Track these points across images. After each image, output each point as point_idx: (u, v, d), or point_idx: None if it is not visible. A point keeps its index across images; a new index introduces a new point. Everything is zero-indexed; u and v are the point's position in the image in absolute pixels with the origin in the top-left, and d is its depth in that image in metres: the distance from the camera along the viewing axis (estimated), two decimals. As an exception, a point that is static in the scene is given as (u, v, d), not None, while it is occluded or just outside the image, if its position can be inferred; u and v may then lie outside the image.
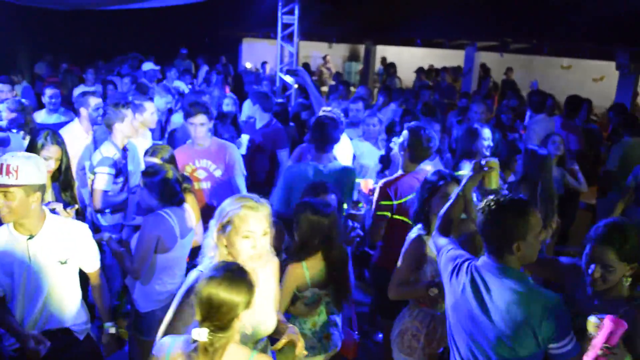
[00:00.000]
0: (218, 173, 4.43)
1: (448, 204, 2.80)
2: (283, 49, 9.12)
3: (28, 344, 2.60)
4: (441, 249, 2.62)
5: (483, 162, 2.80)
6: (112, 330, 3.03)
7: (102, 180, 4.15)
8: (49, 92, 5.88)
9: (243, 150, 5.32)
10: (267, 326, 2.47)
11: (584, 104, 7.13)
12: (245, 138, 5.48)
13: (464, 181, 2.83)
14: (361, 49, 17.28)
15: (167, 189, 3.29)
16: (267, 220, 2.32)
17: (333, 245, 3.04)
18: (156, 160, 3.87)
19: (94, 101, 4.95)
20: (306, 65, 13.08)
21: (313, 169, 3.92)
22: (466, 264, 2.41)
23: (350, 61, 18.78)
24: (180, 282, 3.14)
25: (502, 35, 11.64)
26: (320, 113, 4.34)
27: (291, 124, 6.78)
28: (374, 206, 3.78)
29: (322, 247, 3.02)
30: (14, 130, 4.93)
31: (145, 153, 4.09)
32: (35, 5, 7.57)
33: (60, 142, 3.64)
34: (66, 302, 2.85)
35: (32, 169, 2.62)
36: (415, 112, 5.85)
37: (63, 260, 2.78)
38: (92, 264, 2.98)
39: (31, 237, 2.71)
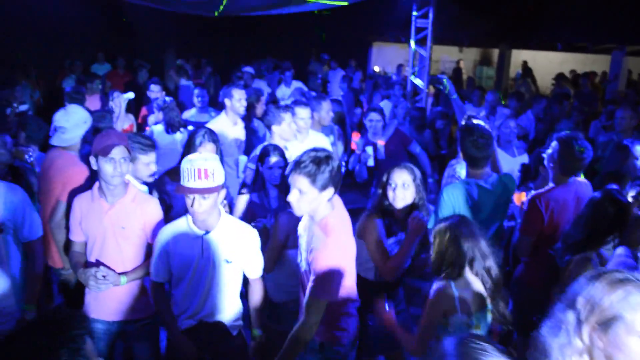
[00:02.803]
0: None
1: None
2: (415, 52, 9.06)
3: (177, 339, 2.92)
4: None
5: None
6: (259, 337, 3.15)
7: (250, 176, 4.42)
8: (197, 92, 6.33)
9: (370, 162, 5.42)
10: None
11: None
12: (370, 149, 5.50)
13: None
14: (493, 53, 16.69)
15: None
16: None
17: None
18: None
19: (237, 93, 5.14)
20: (457, 71, 12.85)
21: (475, 186, 3.58)
22: None
23: (482, 65, 18.19)
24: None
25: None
26: (467, 123, 4.16)
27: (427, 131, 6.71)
28: (522, 219, 3.62)
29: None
30: (160, 127, 5.38)
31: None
32: (186, 12, 8.20)
33: (215, 140, 3.91)
34: (226, 298, 3.00)
35: (221, 169, 2.84)
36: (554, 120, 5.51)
37: (229, 259, 2.93)
38: (255, 271, 3.09)
39: (207, 232, 2.90)
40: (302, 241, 2.77)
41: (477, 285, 2.68)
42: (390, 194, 3.29)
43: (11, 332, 1.59)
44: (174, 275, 2.98)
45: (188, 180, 2.76)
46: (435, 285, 2.69)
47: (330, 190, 2.59)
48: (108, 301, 3.13)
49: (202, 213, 2.80)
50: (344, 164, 5.99)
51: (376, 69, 15.33)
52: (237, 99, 5.11)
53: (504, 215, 3.72)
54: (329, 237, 2.58)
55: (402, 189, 3.27)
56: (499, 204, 3.59)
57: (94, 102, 7.29)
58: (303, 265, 2.74)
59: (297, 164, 2.58)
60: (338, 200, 2.78)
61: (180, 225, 2.96)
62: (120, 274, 3.06)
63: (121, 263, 3.10)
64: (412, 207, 3.30)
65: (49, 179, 3.71)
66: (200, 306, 2.97)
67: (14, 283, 3.09)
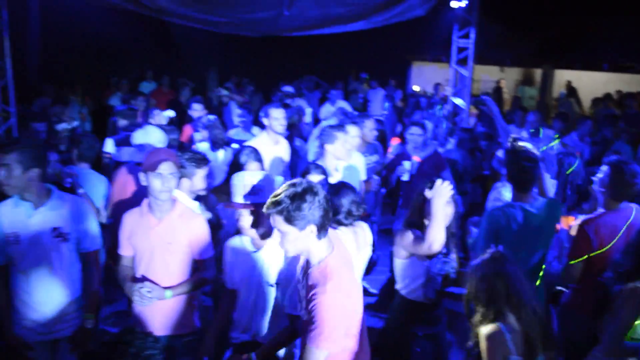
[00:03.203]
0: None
1: None
2: (456, 72, 9.03)
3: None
4: None
5: None
6: None
7: None
8: (239, 111, 6.45)
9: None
10: None
11: None
12: (408, 164, 5.49)
13: None
14: (535, 72, 16.45)
15: None
16: None
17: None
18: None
19: (275, 112, 5.16)
20: (498, 90, 12.75)
21: (520, 210, 3.48)
22: None
23: (524, 85, 17.93)
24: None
25: None
26: (513, 145, 4.09)
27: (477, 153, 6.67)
28: (570, 245, 3.53)
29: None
30: (205, 145, 5.49)
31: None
32: (230, 32, 8.40)
33: (259, 160, 4.00)
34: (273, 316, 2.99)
35: (272, 188, 2.82)
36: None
37: (271, 283, 2.94)
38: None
39: (257, 250, 2.95)
40: (301, 287, 2.51)
41: (521, 327, 2.52)
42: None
43: None
44: (235, 285, 3.06)
45: (237, 196, 2.82)
46: (485, 330, 2.52)
47: (313, 228, 2.32)
48: (154, 315, 3.19)
49: (251, 230, 2.85)
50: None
51: (416, 88, 15.30)
52: (275, 118, 5.13)
53: (549, 243, 3.61)
54: (329, 281, 2.31)
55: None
56: (544, 229, 3.50)
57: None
58: (304, 314, 2.43)
59: (271, 199, 2.35)
60: (336, 237, 2.57)
61: (239, 240, 3.04)
62: (165, 288, 3.11)
63: (167, 278, 3.15)
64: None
65: (124, 192, 3.95)
66: (250, 323, 3.00)
67: (75, 291, 3.23)
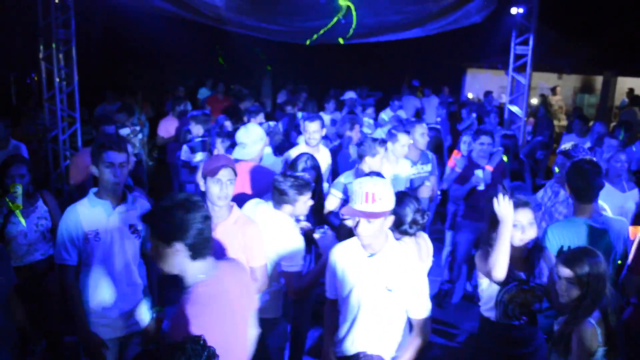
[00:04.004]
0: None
1: None
2: (512, 79, 8.81)
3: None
4: None
5: None
6: None
7: (331, 201, 4.50)
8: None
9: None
10: None
11: None
12: (481, 173, 5.40)
13: None
14: (595, 79, 15.89)
15: None
16: None
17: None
18: None
19: (309, 126, 5.13)
20: (544, 99, 12.45)
21: (584, 225, 3.38)
22: None
23: (583, 93, 17.34)
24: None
25: None
26: (573, 154, 3.96)
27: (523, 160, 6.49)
28: (632, 256, 3.34)
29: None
30: (268, 150, 5.57)
31: None
32: (286, 40, 8.49)
33: (316, 167, 4.02)
34: (384, 329, 2.88)
35: (390, 195, 2.77)
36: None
37: (390, 288, 2.80)
38: (418, 309, 2.87)
39: (372, 255, 2.83)
40: None
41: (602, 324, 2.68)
42: (512, 233, 2.98)
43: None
44: (338, 295, 2.96)
45: (355, 202, 2.75)
46: (582, 326, 2.68)
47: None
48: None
49: (366, 237, 2.75)
50: (439, 192, 5.90)
51: (469, 95, 15.06)
52: (309, 132, 5.13)
53: (615, 262, 3.44)
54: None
55: (529, 227, 3.05)
56: (611, 247, 3.35)
57: (173, 123, 7.79)
58: None
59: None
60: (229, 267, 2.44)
61: (351, 244, 2.93)
62: None
63: None
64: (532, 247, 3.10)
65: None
66: (356, 333, 2.89)
67: (144, 286, 3.37)
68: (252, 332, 2.60)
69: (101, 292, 3.22)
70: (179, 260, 2.19)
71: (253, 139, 4.33)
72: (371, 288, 2.80)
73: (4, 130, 5.69)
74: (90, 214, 3.19)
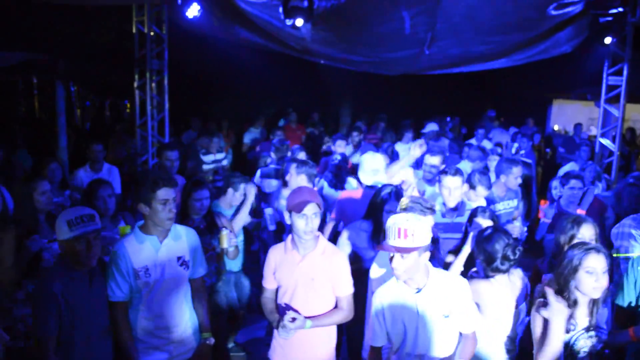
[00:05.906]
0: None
1: None
2: (604, 111, 8.40)
3: None
4: None
5: None
6: None
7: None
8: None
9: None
10: None
11: None
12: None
13: None
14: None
15: None
16: None
17: None
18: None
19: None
20: (632, 131, 11.80)
21: None
22: None
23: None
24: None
25: None
26: None
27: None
28: None
29: None
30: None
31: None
32: (369, 71, 8.54)
33: (400, 198, 3.96)
34: (446, 355, 2.92)
35: (425, 231, 2.81)
36: None
37: (446, 314, 2.85)
38: (470, 325, 2.94)
39: (419, 290, 2.87)
40: None
41: None
42: (585, 280, 2.75)
43: None
44: (393, 335, 2.96)
45: (389, 238, 2.79)
46: None
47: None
48: (293, 347, 3.24)
49: (401, 272, 2.79)
50: (525, 229, 5.66)
51: (556, 127, 14.47)
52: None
53: None
54: None
55: (602, 275, 2.77)
56: None
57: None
58: None
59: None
60: None
61: (391, 285, 2.97)
62: (306, 317, 3.14)
63: (308, 313, 3.18)
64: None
65: None
66: None
67: (192, 315, 3.39)
68: None
69: (152, 324, 3.21)
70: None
71: (377, 167, 4.67)
72: (427, 321, 2.82)
73: (100, 153, 6.06)
74: (139, 251, 3.17)
